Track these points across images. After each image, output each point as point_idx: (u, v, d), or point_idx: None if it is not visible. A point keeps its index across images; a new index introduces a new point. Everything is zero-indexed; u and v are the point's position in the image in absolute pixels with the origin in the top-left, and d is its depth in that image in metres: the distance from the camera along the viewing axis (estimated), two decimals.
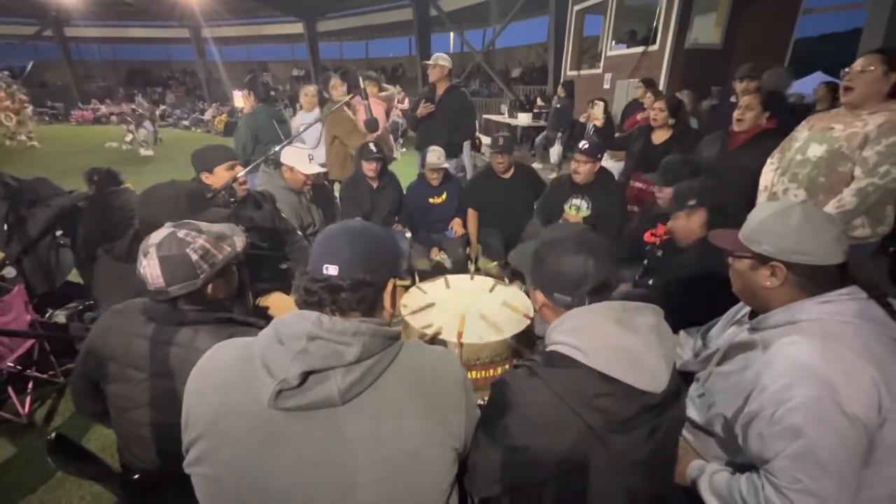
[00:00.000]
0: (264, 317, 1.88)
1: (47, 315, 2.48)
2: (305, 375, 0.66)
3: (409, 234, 3.25)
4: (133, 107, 10.68)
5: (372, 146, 2.85)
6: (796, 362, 0.87)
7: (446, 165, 3.02)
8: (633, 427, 0.81)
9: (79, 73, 20.19)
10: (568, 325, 0.88)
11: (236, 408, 0.70)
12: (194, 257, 1.01)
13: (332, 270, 0.74)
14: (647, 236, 2.23)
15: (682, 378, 1.24)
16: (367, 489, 0.68)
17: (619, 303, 0.90)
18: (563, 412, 0.80)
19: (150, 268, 1.00)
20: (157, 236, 1.03)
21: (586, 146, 2.51)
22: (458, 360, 0.85)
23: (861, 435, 0.81)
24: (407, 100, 6.98)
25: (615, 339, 0.83)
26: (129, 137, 10.16)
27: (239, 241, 1.15)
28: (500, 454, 0.83)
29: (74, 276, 2.60)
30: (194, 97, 20.47)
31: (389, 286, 0.82)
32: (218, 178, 1.94)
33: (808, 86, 10.05)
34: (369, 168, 2.89)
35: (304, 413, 0.67)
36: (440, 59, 3.56)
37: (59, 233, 2.59)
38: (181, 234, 1.03)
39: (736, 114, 2.51)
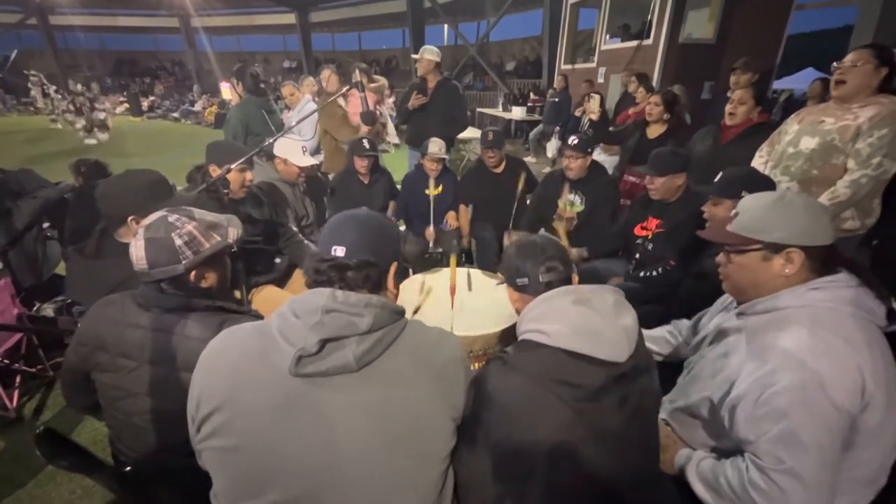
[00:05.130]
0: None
1: (35, 308, 2.44)
2: (323, 343, 0.71)
3: (402, 228, 3.24)
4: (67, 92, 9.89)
5: (365, 143, 2.80)
6: (783, 347, 0.88)
7: (446, 156, 3.01)
8: (602, 396, 0.85)
9: (65, 63, 19.73)
10: (533, 313, 0.95)
11: (254, 378, 0.74)
12: (178, 242, 1.01)
13: (339, 252, 0.81)
14: (637, 230, 2.25)
15: (672, 367, 1.27)
16: (377, 452, 0.72)
17: (579, 286, 1.00)
18: (536, 392, 0.85)
19: (136, 248, 1.00)
20: (151, 218, 1.04)
21: (575, 141, 2.51)
22: (457, 338, 0.89)
23: (844, 419, 0.83)
24: (394, 96, 6.81)
25: (574, 318, 0.90)
26: (57, 125, 9.49)
27: (232, 231, 1.14)
28: (487, 456, 0.85)
29: (62, 269, 2.56)
30: (184, 88, 20.14)
31: (392, 269, 0.88)
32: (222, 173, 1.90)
33: (799, 81, 10.15)
34: (361, 164, 2.86)
35: (321, 379, 0.72)
36: (426, 53, 3.52)
37: (45, 225, 2.55)
38: (172, 218, 1.03)
39: (728, 108, 2.52)
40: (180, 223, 1.03)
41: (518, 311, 1.07)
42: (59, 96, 9.82)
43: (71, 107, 9.33)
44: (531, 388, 0.86)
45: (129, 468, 1.07)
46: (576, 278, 1.04)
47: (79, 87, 9.62)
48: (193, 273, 1.05)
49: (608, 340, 0.87)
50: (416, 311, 1.80)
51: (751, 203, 1.03)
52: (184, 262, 1.01)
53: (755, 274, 1.00)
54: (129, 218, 1.40)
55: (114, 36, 23.05)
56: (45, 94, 10.19)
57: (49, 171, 2.86)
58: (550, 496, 0.85)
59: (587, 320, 0.89)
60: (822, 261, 0.96)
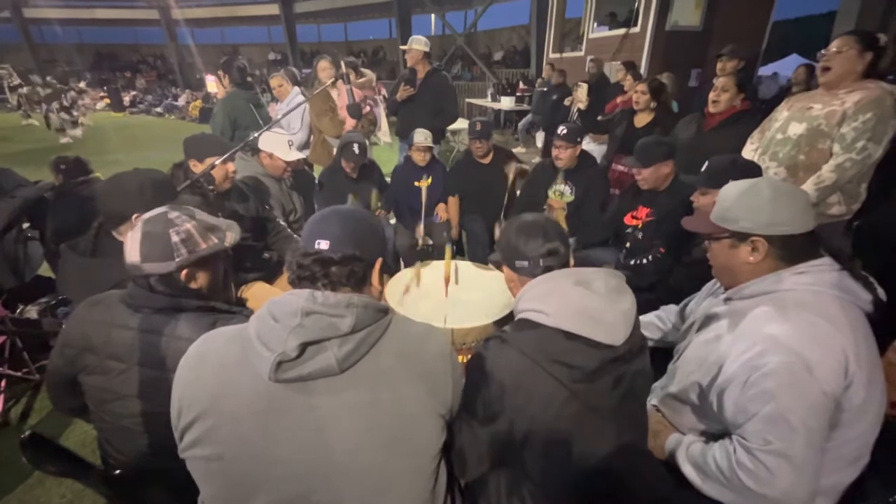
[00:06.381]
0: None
1: (18, 311, 2.39)
2: (303, 347, 0.68)
3: (393, 221, 3.22)
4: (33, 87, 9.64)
5: (356, 148, 2.72)
6: (770, 330, 0.90)
7: (433, 145, 2.99)
8: (597, 378, 0.87)
9: (42, 58, 19.12)
10: (532, 292, 0.95)
11: (235, 385, 0.72)
12: (175, 239, 0.99)
13: (323, 245, 0.77)
14: (627, 219, 2.26)
15: (663, 353, 1.29)
16: (367, 453, 0.71)
17: (579, 268, 0.98)
18: (533, 370, 0.86)
19: (131, 240, 0.99)
20: (152, 212, 1.03)
21: (565, 132, 2.51)
22: (444, 333, 0.89)
23: (829, 400, 0.85)
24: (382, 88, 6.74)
25: (575, 300, 0.90)
26: (25, 122, 9.39)
27: (230, 236, 1.13)
28: (484, 428, 0.87)
29: (46, 271, 2.51)
30: (166, 82, 19.68)
31: (377, 265, 0.86)
32: (206, 168, 1.87)
33: (783, 67, 10.21)
34: (347, 166, 2.82)
35: (303, 384, 0.70)
36: (415, 43, 3.48)
37: (26, 225, 2.49)
38: (172, 215, 1.02)
39: (711, 95, 2.52)
40: (180, 221, 1.02)
41: (513, 291, 1.07)
42: (26, 91, 9.56)
43: (56, 104, 9.12)
44: (527, 366, 0.87)
45: (118, 471, 1.06)
46: (571, 261, 1.04)
47: (39, 81, 9.38)
48: (185, 272, 1.03)
49: (607, 324, 0.87)
50: (405, 292, 1.81)
51: (725, 192, 1.06)
52: (177, 258, 1.00)
53: (727, 260, 1.05)
54: (134, 216, 1.38)
55: (92, 29, 22.27)
56: (13, 89, 9.88)
57: (27, 170, 2.79)
58: (544, 473, 0.87)
59: (588, 302, 0.89)
60: (799, 247, 0.97)
